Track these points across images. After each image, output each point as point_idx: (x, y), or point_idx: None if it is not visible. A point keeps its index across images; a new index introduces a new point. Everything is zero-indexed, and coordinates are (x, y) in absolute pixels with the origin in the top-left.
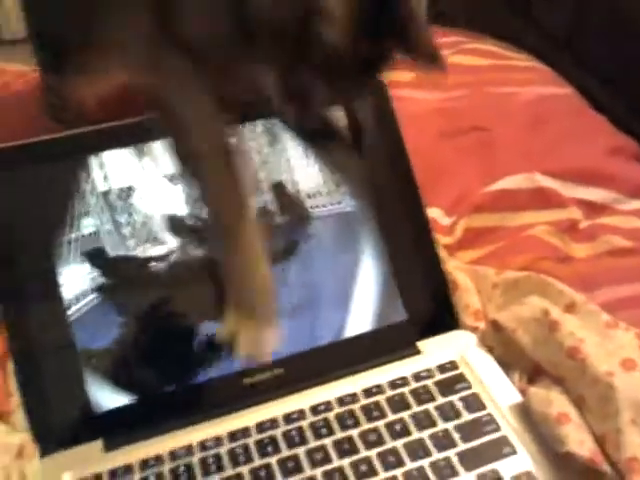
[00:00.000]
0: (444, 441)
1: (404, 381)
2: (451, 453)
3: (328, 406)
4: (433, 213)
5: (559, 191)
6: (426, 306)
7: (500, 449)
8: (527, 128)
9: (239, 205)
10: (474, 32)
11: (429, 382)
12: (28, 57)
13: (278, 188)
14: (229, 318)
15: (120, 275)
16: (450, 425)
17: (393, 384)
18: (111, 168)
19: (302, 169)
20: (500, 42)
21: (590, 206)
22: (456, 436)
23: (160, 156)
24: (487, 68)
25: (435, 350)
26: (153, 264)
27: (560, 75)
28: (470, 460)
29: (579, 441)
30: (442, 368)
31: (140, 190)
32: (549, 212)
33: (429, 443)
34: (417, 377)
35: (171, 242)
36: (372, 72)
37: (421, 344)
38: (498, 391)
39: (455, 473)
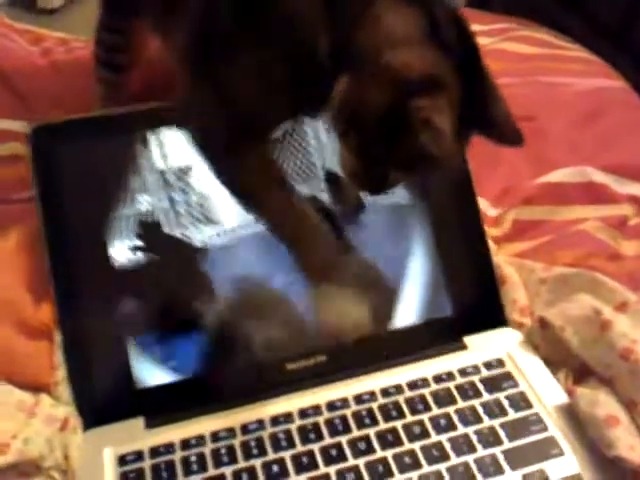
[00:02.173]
0: (490, 438)
1: (450, 376)
2: (497, 450)
3: (372, 396)
4: (480, 204)
5: (611, 186)
6: (474, 301)
7: (547, 450)
8: (579, 120)
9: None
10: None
11: (475, 378)
12: (64, 26)
13: (333, 177)
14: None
15: (171, 252)
16: (496, 422)
17: (438, 378)
18: (169, 146)
19: None
20: (551, 31)
21: None
22: (502, 434)
23: None
24: (539, 57)
25: (481, 346)
26: (205, 246)
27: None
28: (516, 459)
29: (629, 445)
30: (488, 365)
31: (197, 170)
32: (599, 207)
33: (474, 439)
34: (463, 372)
35: (226, 222)
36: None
37: (467, 339)
38: (544, 390)
39: (500, 471)
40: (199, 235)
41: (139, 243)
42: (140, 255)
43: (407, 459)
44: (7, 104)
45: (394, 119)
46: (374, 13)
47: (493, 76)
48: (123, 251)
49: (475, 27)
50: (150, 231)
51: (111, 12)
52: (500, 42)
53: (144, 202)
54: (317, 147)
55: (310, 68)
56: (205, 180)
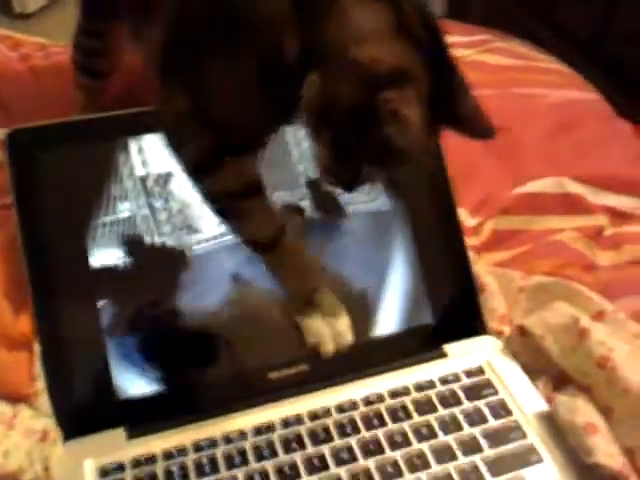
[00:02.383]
0: (470, 445)
1: (430, 384)
2: (477, 458)
3: (354, 405)
4: (458, 213)
5: (586, 197)
6: (454, 309)
7: (527, 457)
8: (553, 131)
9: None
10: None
11: (455, 386)
12: (41, 30)
13: (314, 184)
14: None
15: (151, 263)
16: (476, 430)
17: (419, 386)
18: (150, 153)
19: None
20: (525, 43)
21: (616, 213)
22: (482, 441)
23: None
24: (514, 68)
25: (461, 354)
26: (186, 254)
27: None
28: (496, 466)
29: (608, 453)
30: (468, 373)
31: (177, 177)
32: (575, 218)
33: (455, 447)
34: (443, 380)
35: (206, 230)
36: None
37: (448, 347)
38: (524, 398)
39: (481, 478)
40: (180, 243)
41: (122, 255)
42: (121, 263)
43: (389, 467)
44: None
45: (363, 113)
46: (341, 7)
47: (461, 71)
48: (103, 259)
49: (454, 38)
50: (133, 243)
51: (89, 15)
52: (478, 54)
53: (124, 209)
54: (299, 156)
55: (279, 70)
56: (186, 187)
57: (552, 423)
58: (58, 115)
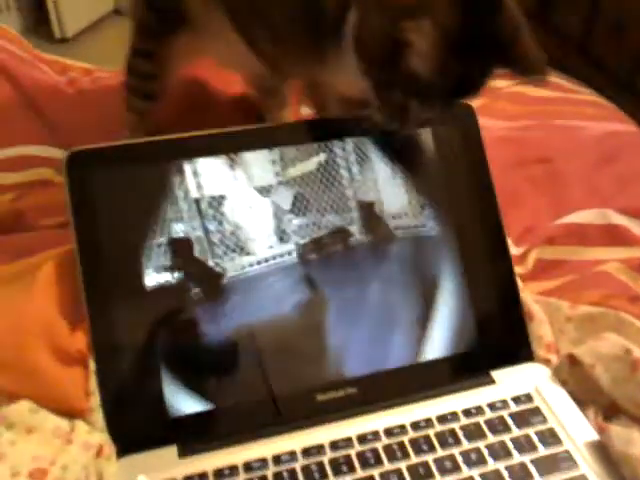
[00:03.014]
0: (521, 474)
1: (479, 410)
2: None
3: (402, 429)
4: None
5: (630, 229)
6: (501, 336)
7: None
8: (595, 163)
9: None
10: None
11: (504, 413)
12: (77, 54)
13: (364, 207)
14: None
15: (202, 277)
16: (526, 458)
17: (468, 412)
18: (204, 176)
19: (389, 189)
20: (561, 74)
21: None
22: (532, 469)
23: (252, 167)
24: (553, 100)
25: (509, 381)
26: (238, 274)
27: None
28: None
29: None
30: (517, 400)
31: (231, 199)
32: (619, 249)
33: (505, 474)
34: (492, 407)
35: (259, 252)
36: (468, 89)
37: (495, 374)
38: (574, 427)
39: None
40: (232, 265)
41: (170, 262)
42: (172, 279)
43: None
44: (35, 131)
45: (391, 43)
46: None
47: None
48: (157, 278)
49: None
50: (182, 249)
51: (146, 33)
52: (517, 85)
53: (179, 231)
54: (349, 179)
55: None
56: (239, 210)
57: (604, 453)
58: (105, 137)
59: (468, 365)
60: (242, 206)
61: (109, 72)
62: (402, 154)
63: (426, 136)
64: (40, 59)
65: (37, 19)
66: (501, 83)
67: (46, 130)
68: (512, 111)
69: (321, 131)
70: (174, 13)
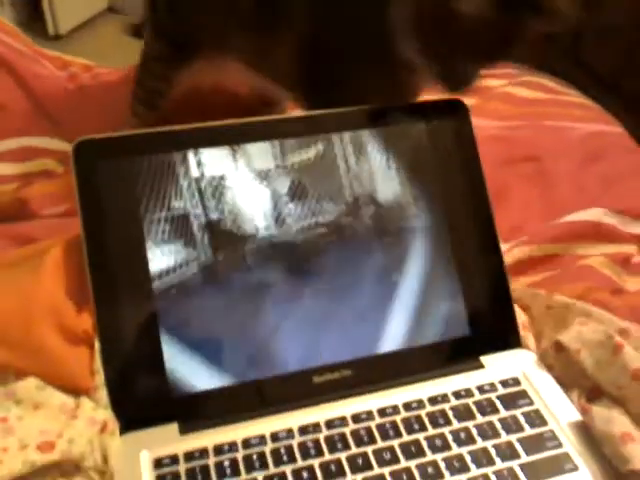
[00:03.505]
0: (508, 452)
1: (468, 392)
2: (515, 464)
3: (395, 410)
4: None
5: (617, 226)
6: (491, 323)
7: (562, 465)
8: (582, 162)
9: None
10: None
11: (492, 395)
12: (71, 51)
13: (359, 197)
14: None
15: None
16: (513, 437)
17: (458, 394)
18: (206, 162)
19: (383, 180)
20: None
21: None
22: (519, 448)
23: (252, 152)
24: (542, 101)
25: (497, 365)
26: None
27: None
28: (533, 472)
29: None
30: (504, 383)
31: (231, 180)
32: (605, 246)
33: (493, 452)
34: (481, 389)
35: (256, 233)
36: (507, 49)
37: (484, 359)
38: (559, 409)
39: None
40: (229, 245)
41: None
42: (176, 259)
43: (430, 469)
44: (37, 122)
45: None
46: None
47: None
48: (159, 256)
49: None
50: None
51: (159, 59)
52: (509, 86)
53: (179, 208)
54: (345, 169)
55: None
56: (237, 191)
57: (586, 433)
58: (104, 131)
59: (459, 350)
60: (241, 188)
61: (109, 69)
62: (397, 148)
63: (420, 130)
64: (41, 54)
65: (31, 15)
66: (493, 83)
67: (47, 122)
68: (504, 111)
69: (320, 124)
70: (186, 44)
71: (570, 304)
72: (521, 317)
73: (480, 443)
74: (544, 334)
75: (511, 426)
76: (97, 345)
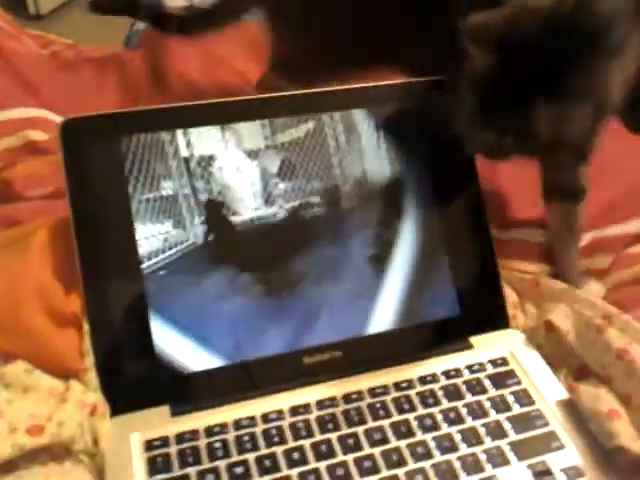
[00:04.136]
0: (496, 431)
1: (457, 372)
2: (503, 442)
3: (385, 390)
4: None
5: None
6: (480, 303)
7: (549, 443)
8: None
9: None
10: None
11: (481, 375)
12: (52, 31)
13: (348, 176)
14: None
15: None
16: (502, 416)
17: (447, 374)
18: (195, 140)
19: (372, 160)
20: None
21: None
22: (507, 427)
23: (242, 130)
24: None
25: (486, 346)
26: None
27: None
28: (521, 451)
29: (630, 437)
30: (493, 363)
31: (220, 160)
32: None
33: (482, 431)
34: (470, 369)
35: (246, 213)
36: None
37: (473, 339)
38: (546, 388)
39: (507, 461)
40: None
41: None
42: (164, 239)
43: (420, 449)
44: (19, 95)
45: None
46: None
47: None
48: (148, 236)
49: None
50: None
51: None
52: None
53: (167, 188)
54: (335, 148)
55: None
56: (227, 171)
57: (573, 411)
58: (85, 102)
59: (448, 331)
60: (230, 167)
61: (91, 46)
62: (388, 127)
63: (411, 110)
64: (23, 32)
65: None
66: None
67: (29, 95)
68: None
69: (310, 103)
70: None
71: (558, 288)
72: (512, 297)
73: (469, 422)
74: (529, 312)
75: (500, 405)
76: (86, 327)
